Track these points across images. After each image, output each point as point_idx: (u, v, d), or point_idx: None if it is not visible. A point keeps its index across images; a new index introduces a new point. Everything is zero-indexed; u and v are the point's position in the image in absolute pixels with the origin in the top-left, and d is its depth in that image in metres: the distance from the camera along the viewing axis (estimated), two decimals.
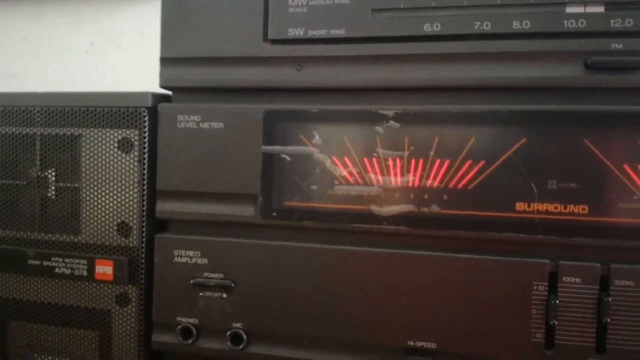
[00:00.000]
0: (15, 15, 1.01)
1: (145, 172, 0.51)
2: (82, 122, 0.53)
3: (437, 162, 0.45)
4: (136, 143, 0.51)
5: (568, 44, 0.44)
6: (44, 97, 0.54)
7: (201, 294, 0.50)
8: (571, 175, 0.44)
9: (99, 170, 0.53)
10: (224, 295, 0.50)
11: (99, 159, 0.53)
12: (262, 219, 0.49)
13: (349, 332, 0.47)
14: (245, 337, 0.49)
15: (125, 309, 0.53)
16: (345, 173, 0.47)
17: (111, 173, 0.52)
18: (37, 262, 0.54)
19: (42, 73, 1.00)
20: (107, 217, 0.53)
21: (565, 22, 0.44)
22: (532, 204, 0.44)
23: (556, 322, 0.43)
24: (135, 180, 0.52)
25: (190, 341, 0.50)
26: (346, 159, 0.47)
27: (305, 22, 0.48)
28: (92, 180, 0.53)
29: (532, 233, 0.44)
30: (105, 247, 0.53)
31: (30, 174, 0.55)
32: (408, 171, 0.46)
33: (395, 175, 0.46)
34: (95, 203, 0.53)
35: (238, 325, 0.49)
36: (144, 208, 0.52)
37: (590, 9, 0.43)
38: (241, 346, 0.49)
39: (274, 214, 0.49)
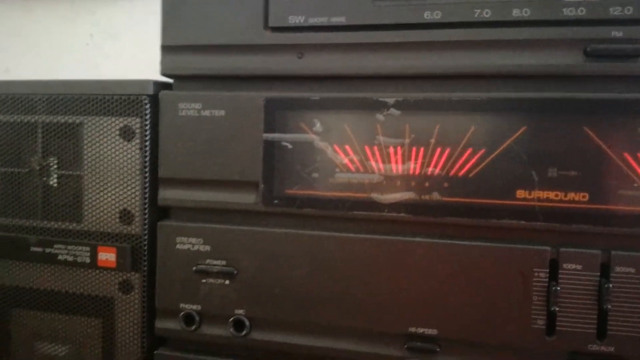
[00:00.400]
0: (6, 8, 1.00)
1: (147, 159, 0.52)
2: (84, 110, 0.53)
3: (438, 149, 0.46)
4: (138, 131, 0.52)
5: (568, 31, 0.44)
6: (45, 85, 0.54)
7: (204, 280, 0.50)
8: (571, 162, 0.44)
9: (101, 158, 0.53)
10: (227, 282, 0.50)
11: (101, 147, 0.53)
12: (263, 206, 0.49)
13: (350, 319, 0.48)
14: (247, 323, 0.50)
15: (128, 296, 0.53)
16: (346, 161, 0.47)
17: (113, 161, 0.53)
18: (40, 249, 0.55)
19: (36, 66, 1.00)
20: (109, 204, 0.53)
21: (564, 9, 0.44)
22: (532, 192, 0.44)
23: (557, 309, 0.43)
24: (137, 168, 0.52)
25: (193, 327, 0.51)
26: (347, 147, 0.47)
27: (306, 10, 0.48)
28: (94, 168, 0.53)
29: (533, 220, 0.44)
30: (107, 234, 0.53)
31: (32, 162, 0.55)
32: (409, 159, 0.46)
33: (396, 162, 0.46)
34: (98, 191, 0.53)
35: (241, 311, 0.50)
36: (146, 195, 0.52)
37: None
38: (244, 332, 0.50)
39: (276, 201, 0.49)
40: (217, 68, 0.50)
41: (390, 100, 0.46)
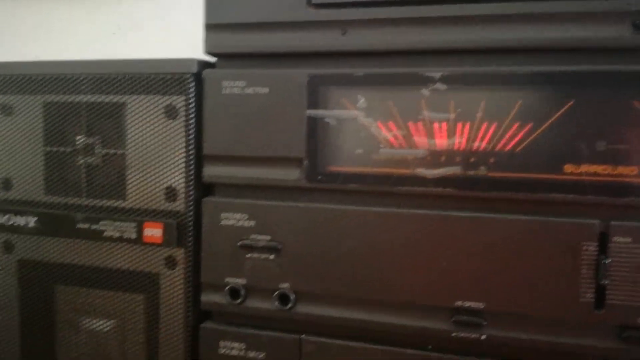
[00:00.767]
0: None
1: (191, 137, 0.52)
2: (128, 89, 0.54)
3: (485, 124, 0.45)
4: (182, 109, 0.52)
5: (616, 4, 0.43)
6: (90, 64, 0.55)
7: (249, 255, 0.51)
8: (620, 136, 0.43)
9: (145, 136, 0.54)
10: (271, 256, 0.51)
11: (145, 126, 0.53)
12: (307, 182, 0.50)
13: (395, 293, 0.48)
14: (292, 297, 0.50)
15: (173, 271, 0.54)
16: (390, 137, 0.47)
17: (157, 139, 0.53)
18: (86, 226, 0.56)
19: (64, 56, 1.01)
20: (153, 182, 0.54)
21: None
22: (580, 166, 0.44)
23: (607, 282, 0.43)
24: (182, 145, 0.53)
25: (238, 301, 0.52)
26: (391, 123, 0.47)
27: None
28: (138, 146, 0.54)
29: (581, 194, 0.44)
30: (151, 211, 0.54)
31: (76, 141, 0.56)
32: (454, 134, 0.46)
33: (441, 138, 0.46)
34: (142, 169, 0.54)
35: (285, 285, 0.51)
36: (191, 173, 0.53)
37: None
38: (289, 306, 0.51)
39: (319, 177, 0.49)
40: (260, 46, 0.50)
41: (436, 75, 0.46)
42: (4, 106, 0.58)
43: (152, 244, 0.54)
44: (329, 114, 0.49)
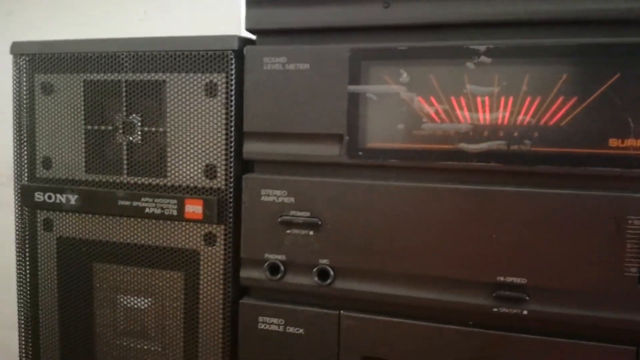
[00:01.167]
0: None
1: (232, 114, 0.53)
2: (168, 67, 0.54)
3: (529, 98, 0.45)
4: (222, 87, 0.53)
5: None
6: (131, 42, 0.55)
7: (288, 231, 0.51)
8: None
9: (185, 114, 0.54)
10: (311, 232, 0.51)
11: (185, 103, 0.54)
12: (348, 158, 0.50)
13: (436, 268, 0.48)
14: (331, 272, 0.51)
15: (212, 247, 0.55)
16: (432, 111, 0.47)
17: (197, 117, 0.54)
18: (127, 203, 0.56)
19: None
20: (193, 159, 0.54)
21: None
22: (626, 140, 0.44)
23: None
24: (222, 123, 0.53)
25: (278, 277, 0.52)
26: (433, 97, 0.47)
27: None
28: (178, 124, 0.54)
29: (627, 167, 0.43)
30: (191, 189, 0.55)
31: (116, 119, 0.57)
32: (498, 108, 0.46)
33: (485, 112, 0.46)
34: (182, 146, 0.54)
35: (325, 261, 0.51)
36: (231, 150, 0.53)
37: None
38: (328, 281, 0.51)
39: (360, 153, 0.50)
40: (301, 21, 0.51)
41: (482, 48, 0.45)
42: (45, 85, 0.59)
43: (192, 221, 0.55)
44: (371, 89, 0.49)
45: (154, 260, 0.57)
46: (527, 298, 0.46)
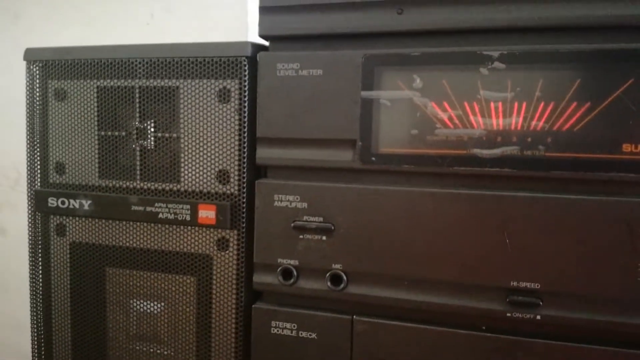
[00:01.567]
0: None
1: (245, 120, 0.53)
2: (181, 73, 0.54)
3: (542, 103, 0.45)
4: (235, 92, 0.53)
5: None
6: (145, 49, 0.56)
7: (301, 236, 0.52)
8: None
9: (198, 120, 0.54)
10: (324, 237, 0.51)
11: (198, 109, 0.54)
12: (361, 164, 0.50)
13: (449, 273, 0.48)
14: (345, 277, 0.51)
15: (225, 252, 0.55)
16: (446, 117, 0.48)
17: (210, 123, 0.54)
18: (141, 208, 0.57)
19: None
20: (206, 165, 0.55)
21: None
22: (639, 145, 0.44)
23: None
24: (235, 128, 0.53)
25: (291, 282, 0.52)
26: (447, 103, 0.48)
27: None
28: (191, 130, 0.55)
29: None
30: (204, 194, 0.55)
31: (129, 125, 0.57)
32: (511, 113, 0.46)
33: (498, 117, 0.46)
34: (195, 152, 0.55)
35: (338, 266, 0.51)
36: (244, 155, 0.53)
37: None
38: (341, 286, 0.51)
39: (373, 158, 0.50)
40: (314, 27, 0.51)
41: (495, 54, 0.46)
42: (58, 91, 0.59)
43: (205, 226, 0.55)
44: (384, 95, 0.49)
45: (166, 265, 0.57)
46: (541, 303, 0.46)
